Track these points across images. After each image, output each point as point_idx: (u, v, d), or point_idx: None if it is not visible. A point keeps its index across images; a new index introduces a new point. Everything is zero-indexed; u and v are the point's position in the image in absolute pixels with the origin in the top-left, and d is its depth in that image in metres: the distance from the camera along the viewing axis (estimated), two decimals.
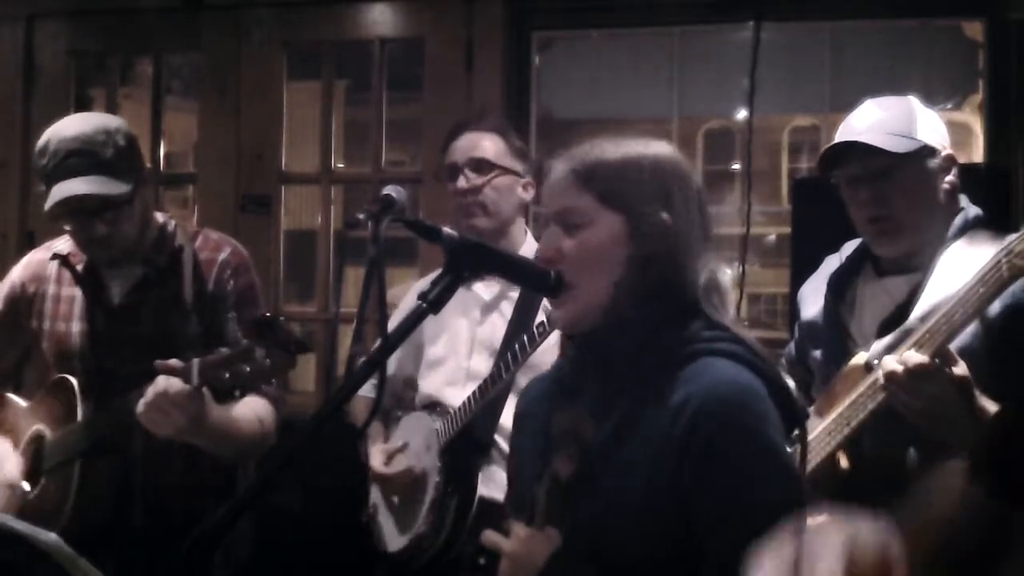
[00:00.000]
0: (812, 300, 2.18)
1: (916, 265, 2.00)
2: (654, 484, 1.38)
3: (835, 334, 2.08)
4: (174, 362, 2.05)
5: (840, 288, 2.11)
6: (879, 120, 2.01)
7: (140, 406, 2.07)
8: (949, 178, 2.02)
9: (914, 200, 1.99)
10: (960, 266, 1.91)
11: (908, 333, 1.87)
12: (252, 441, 2.31)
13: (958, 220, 2.00)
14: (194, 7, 3.88)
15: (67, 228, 2.36)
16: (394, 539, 2.56)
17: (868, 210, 1.99)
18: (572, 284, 1.47)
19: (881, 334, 1.96)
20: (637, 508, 1.38)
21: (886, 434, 1.88)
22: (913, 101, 2.07)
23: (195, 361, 2.03)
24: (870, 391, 1.87)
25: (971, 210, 2.03)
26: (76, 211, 2.27)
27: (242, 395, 2.28)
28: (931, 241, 1.99)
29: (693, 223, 1.49)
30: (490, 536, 1.45)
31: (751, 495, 1.36)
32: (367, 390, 2.46)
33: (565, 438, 1.43)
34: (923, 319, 1.85)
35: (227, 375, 2.02)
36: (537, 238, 2.68)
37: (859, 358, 1.95)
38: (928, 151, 2.00)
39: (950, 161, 2.03)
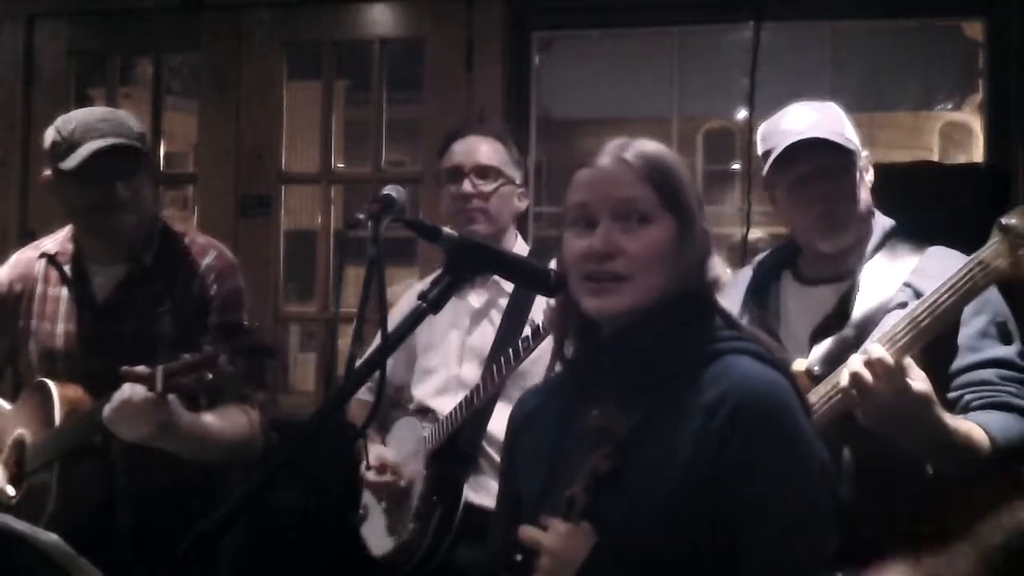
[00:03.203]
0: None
1: (841, 274, 2.05)
2: (689, 479, 1.39)
3: None
4: (141, 368, 2.05)
5: (762, 298, 2.14)
6: (816, 121, 2.06)
7: (106, 411, 2.08)
8: (869, 177, 2.09)
9: (856, 197, 2.05)
10: (885, 276, 1.99)
11: (847, 341, 1.91)
12: (233, 447, 2.31)
13: (877, 232, 2.07)
14: (194, 7, 3.87)
15: (76, 204, 2.35)
16: (383, 542, 2.58)
17: (820, 206, 2.03)
18: (628, 277, 1.46)
19: (813, 342, 2.00)
20: (671, 503, 1.39)
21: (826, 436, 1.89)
22: (836, 106, 2.14)
23: (159, 368, 2.03)
24: (824, 399, 1.87)
25: (886, 220, 2.10)
26: (98, 172, 2.28)
27: (210, 402, 2.27)
28: (859, 241, 2.06)
29: (709, 228, 1.55)
30: (529, 532, 1.45)
31: (798, 488, 1.39)
32: (363, 393, 2.48)
33: (601, 436, 1.44)
34: (863, 324, 1.91)
35: (190, 381, 2.03)
36: (538, 238, 2.69)
37: (798, 364, 1.95)
38: (858, 151, 2.07)
39: (869, 162, 2.11)
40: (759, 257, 2.24)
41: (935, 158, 7.46)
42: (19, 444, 2.40)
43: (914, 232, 2.09)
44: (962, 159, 6.39)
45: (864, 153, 2.09)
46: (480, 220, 2.54)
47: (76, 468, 2.29)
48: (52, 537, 1.29)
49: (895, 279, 1.98)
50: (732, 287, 2.22)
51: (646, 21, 3.85)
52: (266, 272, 3.73)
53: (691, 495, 1.38)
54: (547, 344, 2.21)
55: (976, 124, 3.71)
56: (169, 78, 4.52)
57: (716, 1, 3.61)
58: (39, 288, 2.44)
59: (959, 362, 1.91)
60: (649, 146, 1.52)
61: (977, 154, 3.62)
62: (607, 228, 1.47)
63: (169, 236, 2.43)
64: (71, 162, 2.27)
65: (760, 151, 2.12)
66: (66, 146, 2.30)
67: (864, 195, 2.07)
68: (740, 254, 3.60)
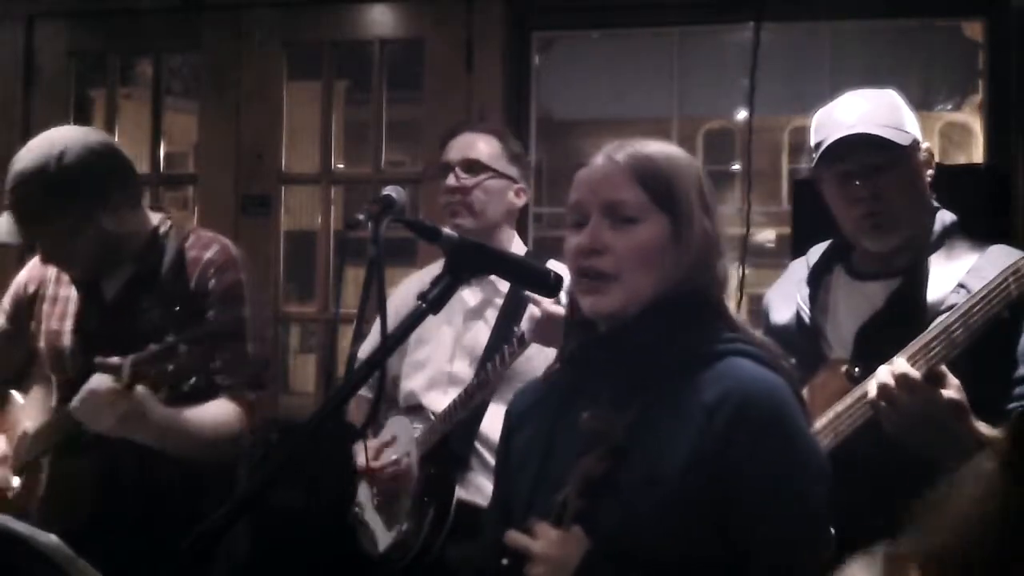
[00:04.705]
0: (781, 305, 2.15)
1: (892, 270, 1.98)
2: (688, 481, 1.38)
3: (811, 338, 2.05)
4: (114, 359, 2.08)
5: (813, 291, 2.09)
6: (868, 112, 1.97)
7: (74, 401, 2.11)
8: (930, 171, 2.01)
9: (909, 194, 1.97)
10: (940, 276, 1.91)
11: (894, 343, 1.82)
12: (213, 443, 2.28)
13: (937, 228, 1.99)
14: (194, 7, 3.87)
15: None
16: (377, 540, 2.59)
17: (864, 206, 1.95)
18: (615, 276, 1.46)
19: (859, 339, 1.95)
20: (669, 505, 1.39)
21: (871, 442, 1.83)
22: (895, 93, 2.05)
23: (129, 358, 2.06)
24: (859, 403, 1.84)
25: (946, 216, 2.01)
26: (27, 238, 2.32)
27: (179, 394, 2.24)
28: (915, 237, 1.98)
29: (720, 229, 1.54)
30: (517, 538, 1.44)
31: (799, 487, 1.40)
32: (363, 390, 2.48)
33: (594, 438, 1.43)
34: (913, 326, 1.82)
35: (153, 372, 2.07)
36: (538, 239, 2.69)
37: (840, 364, 1.92)
38: (916, 144, 1.98)
39: (931, 155, 2.03)
40: (815, 248, 2.16)
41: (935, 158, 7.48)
42: (23, 436, 2.45)
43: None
44: (962, 159, 6.41)
45: (925, 145, 1.99)
46: (463, 214, 2.53)
47: (65, 458, 2.32)
48: (52, 538, 1.29)
49: (950, 279, 1.89)
50: (784, 280, 2.19)
51: (646, 21, 3.85)
52: (266, 272, 3.72)
53: (690, 497, 1.38)
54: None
55: (976, 124, 3.72)
56: (169, 78, 4.52)
57: (716, 1, 3.61)
58: (50, 289, 2.49)
59: (1017, 373, 1.82)
60: (649, 147, 1.52)
61: (977, 154, 3.62)
62: (596, 225, 1.48)
63: (175, 235, 2.44)
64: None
65: (812, 141, 2.03)
66: None
67: (921, 191, 1.98)
68: (740, 254, 3.60)
